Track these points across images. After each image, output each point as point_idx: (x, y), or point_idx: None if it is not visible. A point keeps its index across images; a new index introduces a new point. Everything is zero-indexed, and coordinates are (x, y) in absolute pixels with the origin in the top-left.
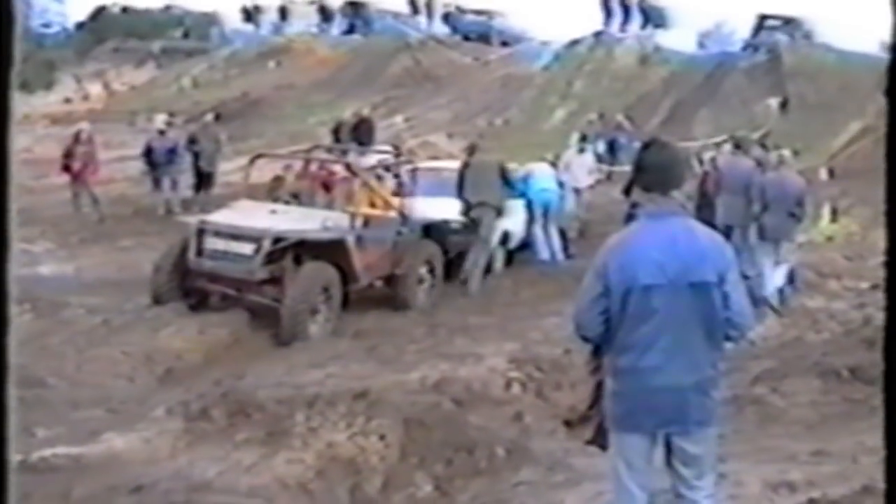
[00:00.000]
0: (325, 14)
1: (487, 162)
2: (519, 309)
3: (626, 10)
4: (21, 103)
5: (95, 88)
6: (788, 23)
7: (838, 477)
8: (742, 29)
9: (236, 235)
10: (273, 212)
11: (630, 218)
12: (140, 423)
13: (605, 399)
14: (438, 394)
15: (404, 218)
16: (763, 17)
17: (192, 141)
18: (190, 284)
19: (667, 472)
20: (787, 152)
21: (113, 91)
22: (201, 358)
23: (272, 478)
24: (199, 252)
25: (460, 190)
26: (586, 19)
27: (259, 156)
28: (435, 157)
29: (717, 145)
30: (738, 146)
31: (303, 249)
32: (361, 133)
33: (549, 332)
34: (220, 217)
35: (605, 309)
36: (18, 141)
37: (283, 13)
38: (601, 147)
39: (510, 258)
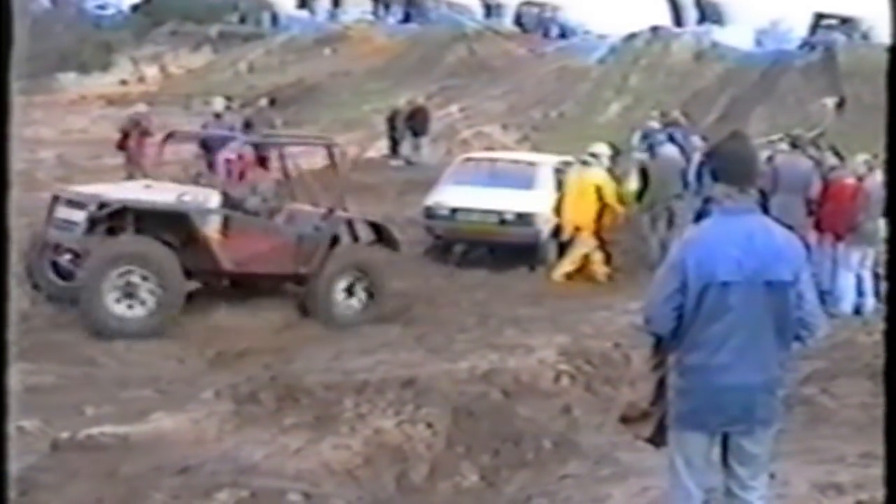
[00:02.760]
0: (380, 2)
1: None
2: (570, 302)
3: (675, 5)
4: (77, 84)
5: (151, 71)
6: (846, 22)
7: None
8: (799, 27)
9: (76, 202)
10: (148, 186)
11: (702, 214)
12: (189, 404)
13: (670, 396)
14: (487, 384)
15: (331, 213)
16: (820, 16)
17: (247, 125)
18: (47, 257)
19: (721, 470)
20: (867, 156)
21: (169, 74)
22: (251, 341)
23: (319, 463)
24: (50, 221)
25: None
26: (643, 13)
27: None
28: (489, 148)
29: (772, 143)
30: (794, 145)
31: (146, 224)
32: (417, 122)
33: (600, 326)
34: (84, 187)
35: (679, 304)
36: (74, 121)
37: (337, 0)
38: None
39: (562, 251)
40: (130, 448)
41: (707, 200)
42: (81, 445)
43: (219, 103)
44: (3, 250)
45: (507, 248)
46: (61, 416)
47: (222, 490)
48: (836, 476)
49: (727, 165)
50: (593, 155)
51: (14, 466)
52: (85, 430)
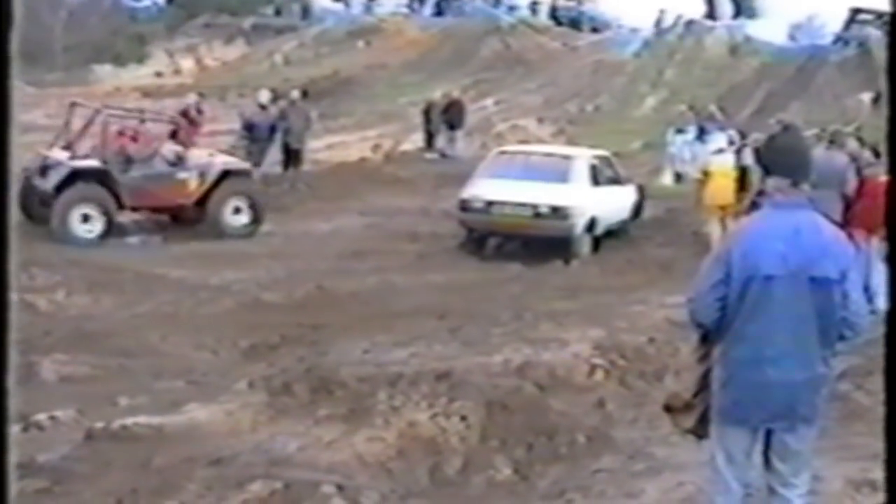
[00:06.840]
0: None
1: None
2: (605, 296)
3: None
4: (113, 76)
5: (187, 63)
6: (881, 17)
7: None
8: (832, 22)
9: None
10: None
11: (754, 206)
12: (222, 395)
13: (714, 389)
14: (521, 378)
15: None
16: (856, 11)
17: (281, 118)
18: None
19: (762, 466)
20: None
21: (204, 66)
22: (285, 332)
23: (352, 455)
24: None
25: None
26: (677, 7)
27: (74, 104)
28: (525, 142)
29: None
30: (832, 141)
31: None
32: (452, 115)
33: (635, 320)
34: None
35: (723, 296)
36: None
37: None
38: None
39: (597, 245)
40: (164, 439)
41: (759, 193)
42: (115, 436)
43: (264, 95)
44: (3, 249)
45: (542, 242)
46: (95, 407)
47: (255, 482)
48: (871, 473)
49: (779, 159)
50: (722, 149)
51: (48, 456)
52: (119, 420)
